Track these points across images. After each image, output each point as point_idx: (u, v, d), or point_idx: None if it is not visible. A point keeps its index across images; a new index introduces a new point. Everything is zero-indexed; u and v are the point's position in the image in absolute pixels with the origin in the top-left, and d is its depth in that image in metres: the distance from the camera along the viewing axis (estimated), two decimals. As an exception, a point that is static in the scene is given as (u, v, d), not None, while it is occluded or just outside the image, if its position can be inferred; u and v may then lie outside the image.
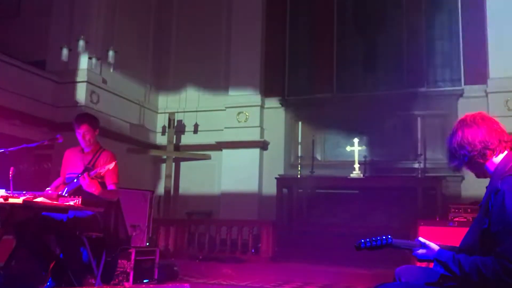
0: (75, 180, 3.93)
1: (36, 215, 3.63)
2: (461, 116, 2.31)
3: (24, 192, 3.36)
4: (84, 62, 8.86)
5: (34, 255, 3.79)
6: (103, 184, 4.04)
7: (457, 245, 2.33)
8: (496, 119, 2.25)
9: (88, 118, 4.27)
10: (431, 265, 2.25)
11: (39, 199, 3.33)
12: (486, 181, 2.29)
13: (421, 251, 2.25)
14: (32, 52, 9.16)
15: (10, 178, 3.36)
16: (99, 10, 9.23)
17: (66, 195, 3.85)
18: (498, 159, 2.17)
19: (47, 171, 7.77)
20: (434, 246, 2.23)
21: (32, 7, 9.78)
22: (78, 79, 8.84)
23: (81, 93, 8.79)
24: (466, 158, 2.20)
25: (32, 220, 3.66)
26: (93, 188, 3.86)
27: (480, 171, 2.25)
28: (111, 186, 4.09)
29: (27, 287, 4.14)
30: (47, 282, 3.78)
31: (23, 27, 9.58)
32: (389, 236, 2.22)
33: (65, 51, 8.52)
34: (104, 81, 9.29)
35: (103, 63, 9.14)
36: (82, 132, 4.15)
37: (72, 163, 4.24)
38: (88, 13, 9.07)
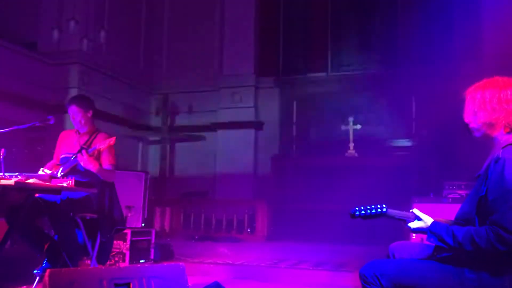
0: (72, 158, 3.92)
1: (29, 198, 3.61)
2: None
3: (17, 174, 3.34)
4: (75, 43, 8.74)
5: (26, 239, 3.78)
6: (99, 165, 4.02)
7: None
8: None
9: (77, 99, 4.21)
10: (425, 238, 2.26)
11: (31, 181, 3.31)
12: (481, 158, 2.27)
13: (415, 223, 2.26)
14: (23, 33, 9.03)
15: (1, 160, 3.32)
16: (90, -11, 9.08)
17: (62, 173, 3.84)
18: (509, 132, 2.12)
19: (40, 154, 7.73)
20: (428, 219, 2.23)
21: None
22: (70, 60, 8.73)
23: (72, 74, 8.70)
24: (492, 122, 2.12)
25: (24, 204, 3.64)
26: (91, 165, 3.84)
27: (486, 136, 2.18)
28: (107, 167, 4.07)
29: (22, 269, 4.14)
30: (43, 263, 3.78)
31: (12, 8, 9.41)
32: (384, 206, 2.21)
33: (56, 32, 8.40)
34: (96, 62, 9.18)
35: (94, 44, 9.03)
36: (72, 114, 4.12)
37: (67, 144, 4.21)
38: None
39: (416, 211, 2.27)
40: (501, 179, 1.97)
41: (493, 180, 2.00)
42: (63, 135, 4.33)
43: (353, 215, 2.22)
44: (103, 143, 3.84)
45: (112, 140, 3.85)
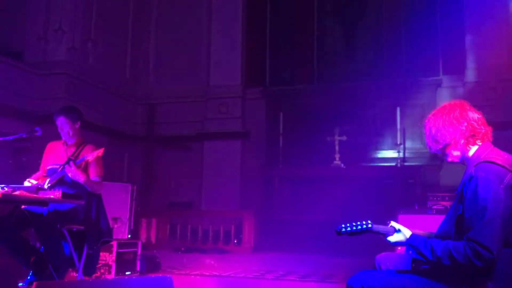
0: (60, 169, 3.89)
1: (15, 209, 3.58)
2: (439, 105, 2.36)
3: (3, 185, 3.31)
4: (62, 53, 8.72)
5: (12, 251, 3.73)
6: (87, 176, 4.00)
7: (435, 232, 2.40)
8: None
9: (65, 110, 4.15)
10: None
11: (18, 192, 3.29)
12: (463, 169, 2.34)
13: (394, 236, 2.30)
14: (8, 43, 8.97)
15: (-12, 172, 3.30)
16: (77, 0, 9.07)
17: (49, 185, 3.82)
18: (475, 148, 2.23)
19: (25, 164, 7.65)
20: (407, 231, 2.28)
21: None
22: (56, 70, 8.69)
23: (59, 85, 8.66)
24: (451, 143, 2.24)
25: (10, 215, 3.61)
26: (78, 176, 3.82)
27: (455, 157, 2.29)
28: (95, 178, 4.04)
29: (7, 282, 4.09)
30: (28, 276, 3.75)
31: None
32: (369, 222, 2.25)
33: (42, 42, 8.38)
34: (83, 72, 9.16)
35: (81, 54, 9.01)
36: (60, 125, 4.08)
37: (54, 155, 4.17)
38: (65, 3, 8.90)
39: (395, 224, 2.32)
40: (475, 196, 2.04)
41: (467, 198, 2.07)
42: (50, 146, 4.29)
43: (339, 232, 2.25)
44: (91, 154, 3.83)
45: (100, 152, 3.84)
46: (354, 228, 2.23)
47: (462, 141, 2.22)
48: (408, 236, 2.24)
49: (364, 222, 2.24)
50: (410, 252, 2.20)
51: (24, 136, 3.99)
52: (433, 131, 2.27)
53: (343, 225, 2.25)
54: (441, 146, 2.27)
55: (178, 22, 10.71)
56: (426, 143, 2.35)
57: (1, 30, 9.11)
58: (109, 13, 9.91)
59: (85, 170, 3.99)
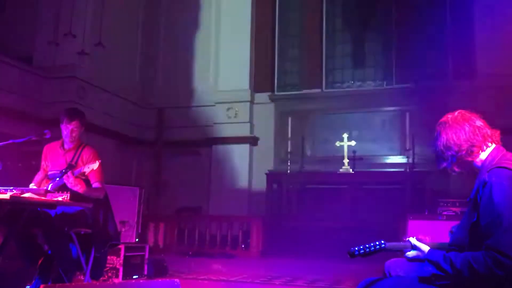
0: (58, 179, 3.86)
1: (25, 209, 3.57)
2: (449, 112, 2.33)
3: (12, 188, 3.31)
4: (72, 57, 8.77)
5: (21, 246, 3.72)
6: (87, 182, 3.96)
7: (446, 239, 2.35)
8: (483, 115, 2.27)
9: (80, 114, 4.13)
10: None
11: (27, 195, 3.29)
12: (473, 175, 2.31)
13: (412, 252, 2.27)
14: (19, 47, 9.05)
15: (-3, 174, 3.31)
16: (87, 4, 9.12)
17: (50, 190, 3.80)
18: (485, 154, 2.19)
19: (34, 168, 7.68)
20: (425, 247, 2.24)
21: (18, 1, 9.65)
22: (66, 74, 8.74)
23: (69, 89, 8.70)
24: (455, 158, 2.22)
25: (23, 209, 3.60)
26: (77, 187, 3.79)
27: (470, 169, 2.26)
28: (96, 184, 4.01)
29: (16, 285, 4.09)
30: (35, 279, 3.74)
31: (9, 22, 9.44)
32: (382, 241, 2.22)
33: (52, 47, 8.43)
34: (92, 77, 9.20)
35: (91, 58, 9.05)
36: (71, 128, 4.05)
37: (53, 160, 4.13)
38: (76, 8, 8.97)
39: (413, 240, 2.28)
40: (490, 203, 1.99)
41: (483, 205, 2.03)
42: (47, 149, 4.24)
43: (352, 254, 2.23)
44: (87, 167, 3.79)
45: (95, 165, 3.79)
46: (368, 249, 2.21)
47: (469, 154, 2.19)
48: (426, 252, 2.21)
49: (377, 242, 2.22)
50: (430, 268, 2.16)
51: (33, 138, 3.98)
52: (439, 152, 2.27)
53: (356, 248, 2.23)
54: (444, 166, 2.26)
55: (187, 27, 10.75)
56: (436, 162, 2.34)
57: (12, 35, 9.19)
58: (119, 17, 9.96)
59: (85, 175, 3.96)
